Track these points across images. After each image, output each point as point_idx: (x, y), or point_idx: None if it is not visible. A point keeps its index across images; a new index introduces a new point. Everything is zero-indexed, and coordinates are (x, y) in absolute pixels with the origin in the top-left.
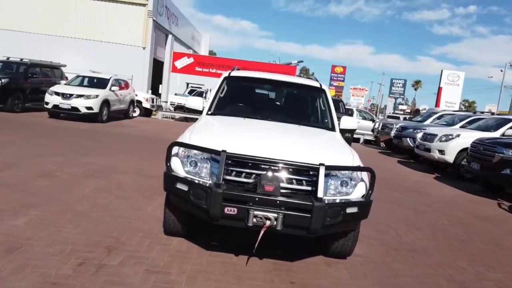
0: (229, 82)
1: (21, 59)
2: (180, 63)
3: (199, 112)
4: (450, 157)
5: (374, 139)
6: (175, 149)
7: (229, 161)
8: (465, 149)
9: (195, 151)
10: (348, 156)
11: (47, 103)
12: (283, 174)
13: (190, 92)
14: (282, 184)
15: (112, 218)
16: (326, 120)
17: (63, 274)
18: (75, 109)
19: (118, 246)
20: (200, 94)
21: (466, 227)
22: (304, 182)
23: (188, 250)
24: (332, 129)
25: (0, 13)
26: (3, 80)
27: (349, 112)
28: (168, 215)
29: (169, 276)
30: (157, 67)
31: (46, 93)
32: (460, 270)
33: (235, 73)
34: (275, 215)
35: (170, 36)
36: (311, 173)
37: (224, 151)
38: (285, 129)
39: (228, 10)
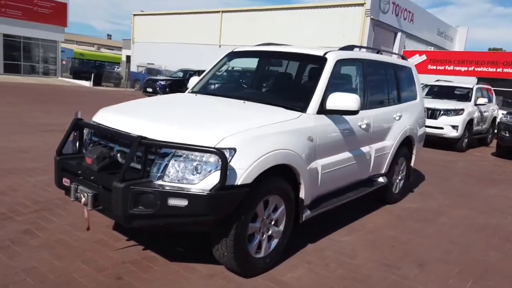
0: (230, 58)
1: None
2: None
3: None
4: None
5: None
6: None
7: (97, 132)
8: None
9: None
10: (210, 135)
11: None
12: (123, 148)
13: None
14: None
15: None
16: (299, 98)
17: None
18: None
19: (65, 206)
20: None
21: None
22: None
23: (98, 224)
24: (302, 109)
25: (246, 33)
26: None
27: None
28: None
29: (30, 240)
30: None
31: None
32: None
33: (240, 48)
34: (90, 191)
35: (399, 34)
36: (153, 150)
37: (79, 119)
38: (207, 106)
39: None
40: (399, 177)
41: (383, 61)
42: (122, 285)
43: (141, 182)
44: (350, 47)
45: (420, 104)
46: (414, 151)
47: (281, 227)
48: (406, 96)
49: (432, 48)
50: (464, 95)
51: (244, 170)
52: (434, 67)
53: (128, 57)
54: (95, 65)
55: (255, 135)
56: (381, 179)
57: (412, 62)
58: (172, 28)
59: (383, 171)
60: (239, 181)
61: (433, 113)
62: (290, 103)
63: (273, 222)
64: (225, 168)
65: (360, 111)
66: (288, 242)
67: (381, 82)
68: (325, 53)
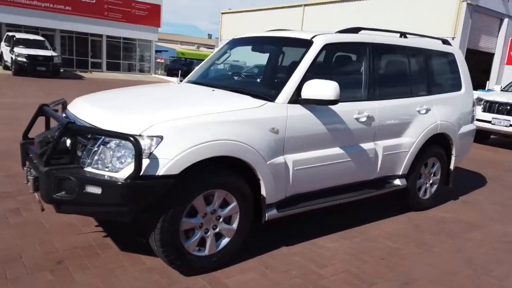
0: (231, 46)
1: None
2: None
3: None
4: None
5: None
6: None
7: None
8: None
9: None
10: (138, 121)
11: None
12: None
13: None
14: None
15: None
16: (272, 86)
17: None
18: None
19: None
20: None
21: None
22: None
23: None
24: (272, 98)
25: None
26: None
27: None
28: None
29: (10, 218)
30: (478, 60)
31: None
32: None
33: (242, 35)
34: (33, 175)
35: (505, 20)
36: (88, 136)
37: (43, 105)
38: (170, 94)
39: None
40: (430, 181)
41: (404, 45)
42: (57, 269)
43: (66, 167)
44: (354, 30)
45: (466, 96)
46: (453, 152)
47: (234, 225)
48: (441, 87)
49: None
50: None
51: (169, 160)
52: None
53: None
54: (185, 62)
55: (191, 123)
56: (397, 182)
57: None
58: (255, 24)
59: (400, 172)
60: (161, 171)
61: None
62: (260, 91)
63: (221, 219)
64: (139, 156)
65: (360, 103)
66: (258, 243)
67: (398, 70)
68: (313, 37)
